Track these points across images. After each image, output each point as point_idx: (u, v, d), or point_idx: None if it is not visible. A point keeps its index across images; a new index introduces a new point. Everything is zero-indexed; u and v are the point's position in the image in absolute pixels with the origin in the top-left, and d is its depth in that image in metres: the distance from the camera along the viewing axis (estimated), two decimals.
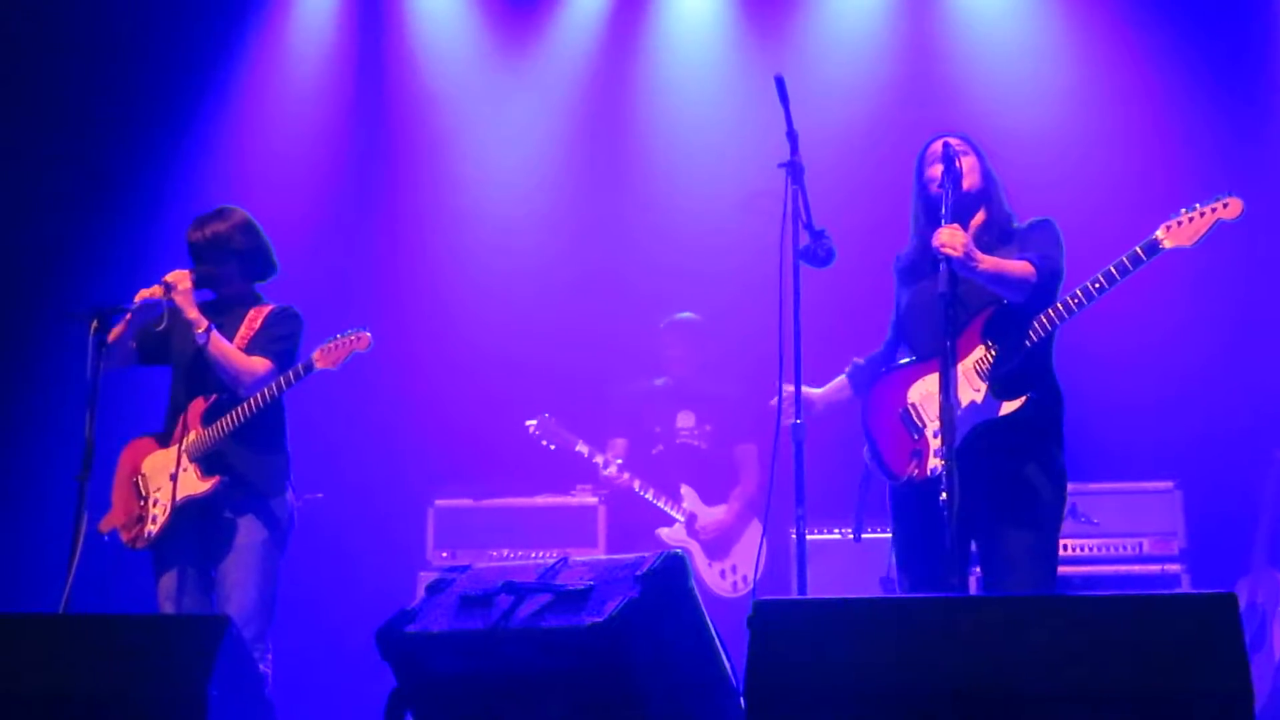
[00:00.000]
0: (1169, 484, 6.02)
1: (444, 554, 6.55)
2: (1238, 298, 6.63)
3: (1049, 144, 6.84)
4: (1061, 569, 5.69)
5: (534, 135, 7.59)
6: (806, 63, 7.15)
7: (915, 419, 4.28)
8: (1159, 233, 4.21)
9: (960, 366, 4.23)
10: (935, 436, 4.17)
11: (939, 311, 4.05)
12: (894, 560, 4.36)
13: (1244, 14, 6.94)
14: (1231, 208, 4.22)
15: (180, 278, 4.81)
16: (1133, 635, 2.81)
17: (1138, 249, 4.21)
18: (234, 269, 4.96)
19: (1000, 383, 4.24)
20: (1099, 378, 5.62)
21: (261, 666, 4.54)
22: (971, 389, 4.24)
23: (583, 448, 6.42)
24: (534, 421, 6.46)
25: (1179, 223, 4.20)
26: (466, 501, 6.68)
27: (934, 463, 4.17)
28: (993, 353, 4.27)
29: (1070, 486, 5.82)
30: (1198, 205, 4.23)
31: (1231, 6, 6.95)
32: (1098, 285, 4.20)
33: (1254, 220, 6.60)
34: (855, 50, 7.27)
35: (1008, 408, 4.21)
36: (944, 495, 3.85)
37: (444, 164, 7.65)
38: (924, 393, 4.29)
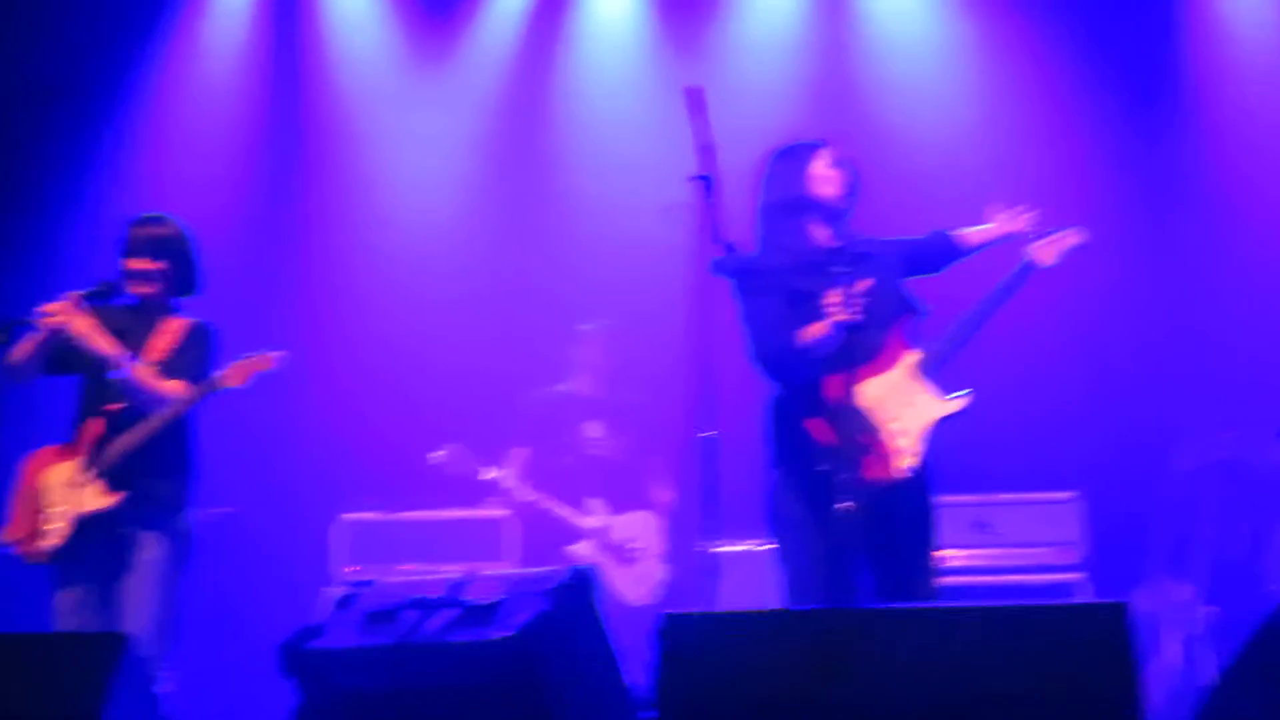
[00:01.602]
0: (1070, 494, 6.11)
1: (351, 569, 6.47)
2: (1137, 310, 6.78)
3: (959, 145, 6.98)
4: (964, 579, 5.84)
5: (449, 140, 7.57)
6: (723, 72, 7.20)
7: (870, 422, 4.31)
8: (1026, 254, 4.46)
9: (899, 372, 4.36)
10: (899, 436, 4.26)
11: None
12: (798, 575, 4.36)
13: (1146, 17, 7.10)
14: (1076, 237, 4.47)
15: (70, 314, 4.69)
16: (1029, 644, 2.85)
17: (1011, 275, 4.44)
18: (162, 276, 4.88)
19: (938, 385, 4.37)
20: (1001, 389, 5.68)
21: (161, 686, 4.45)
22: (919, 390, 4.36)
23: (490, 473, 6.37)
24: (441, 453, 6.40)
25: (1043, 244, 4.40)
26: (374, 515, 6.62)
27: (907, 462, 4.26)
28: (920, 356, 4.38)
29: (973, 497, 6.03)
30: (1058, 230, 4.44)
31: (1134, 10, 7.10)
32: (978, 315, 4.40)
33: (1155, 231, 6.86)
34: (770, 58, 7.34)
35: (951, 406, 4.35)
36: (848, 505, 3.89)
37: (357, 168, 7.61)
38: (876, 394, 4.33)
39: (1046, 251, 4.48)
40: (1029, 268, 4.47)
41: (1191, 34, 7.08)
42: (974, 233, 4.62)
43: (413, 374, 7.15)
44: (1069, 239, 4.52)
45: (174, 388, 4.74)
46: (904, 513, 4.31)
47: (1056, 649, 2.84)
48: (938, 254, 4.62)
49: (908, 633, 2.94)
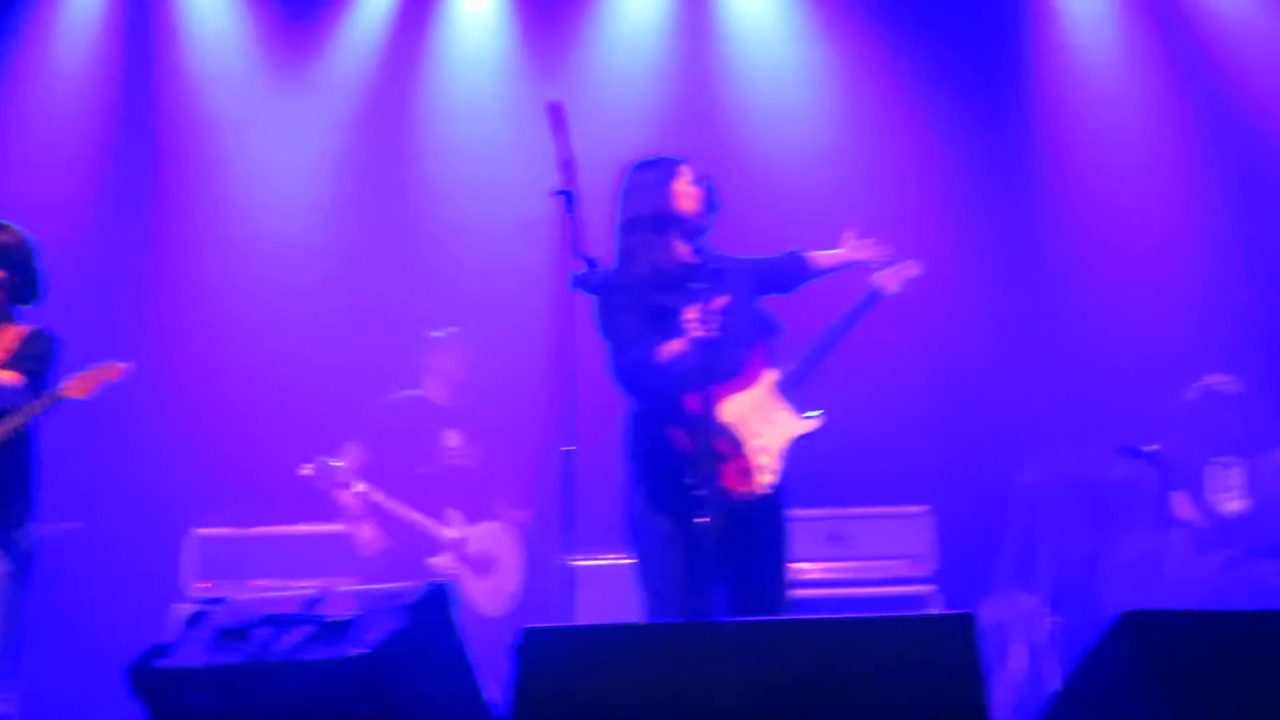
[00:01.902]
0: (922, 508, 6.25)
1: (202, 585, 6.33)
2: (986, 330, 6.96)
3: (815, 166, 7.10)
4: (820, 592, 5.94)
5: (308, 151, 7.47)
6: (585, 89, 7.23)
7: (735, 437, 4.36)
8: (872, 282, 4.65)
9: (760, 390, 4.43)
10: (760, 454, 4.33)
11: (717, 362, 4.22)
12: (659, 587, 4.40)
13: (998, 45, 7.31)
14: (915, 268, 4.66)
15: None
16: (880, 656, 2.91)
17: (858, 301, 4.61)
18: (1, 284, 4.73)
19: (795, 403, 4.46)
20: (855, 406, 5.80)
21: (1, 708, 4.31)
22: (778, 409, 4.44)
23: (359, 486, 6.28)
24: (309, 467, 6.29)
25: (888, 273, 4.56)
26: (226, 529, 6.49)
27: (766, 479, 4.33)
28: (779, 375, 4.46)
29: (828, 511, 6.13)
30: (900, 260, 4.61)
31: (986, 39, 7.30)
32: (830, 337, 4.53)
33: (1003, 254, 7.06)
34: (632, 77, 7.39)
35: (808, 425, 4.45)
36: (707, 519, 3.93)
37: (212, 179, 7.47)
38: (739, 411, 4.38)
39: (890, 280, 4.67)
40: (875, 295, 4.66)
41: (1039, 63, 7.31)
42: (824, 256, 4.74)
43: (266, 386, 7.03)
44: (909, 269, 4.71)
45: (6, 375, 4.61)
46: (760, 527, 4.37)
47: (907, 660, 2.90)
48: (790, 274, 4.71)
49: (763, 645, 2.98)
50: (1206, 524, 6.26)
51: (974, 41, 7.28)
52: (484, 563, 6.43)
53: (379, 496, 6.28)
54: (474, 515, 6.47)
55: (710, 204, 4.46)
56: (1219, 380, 6.40)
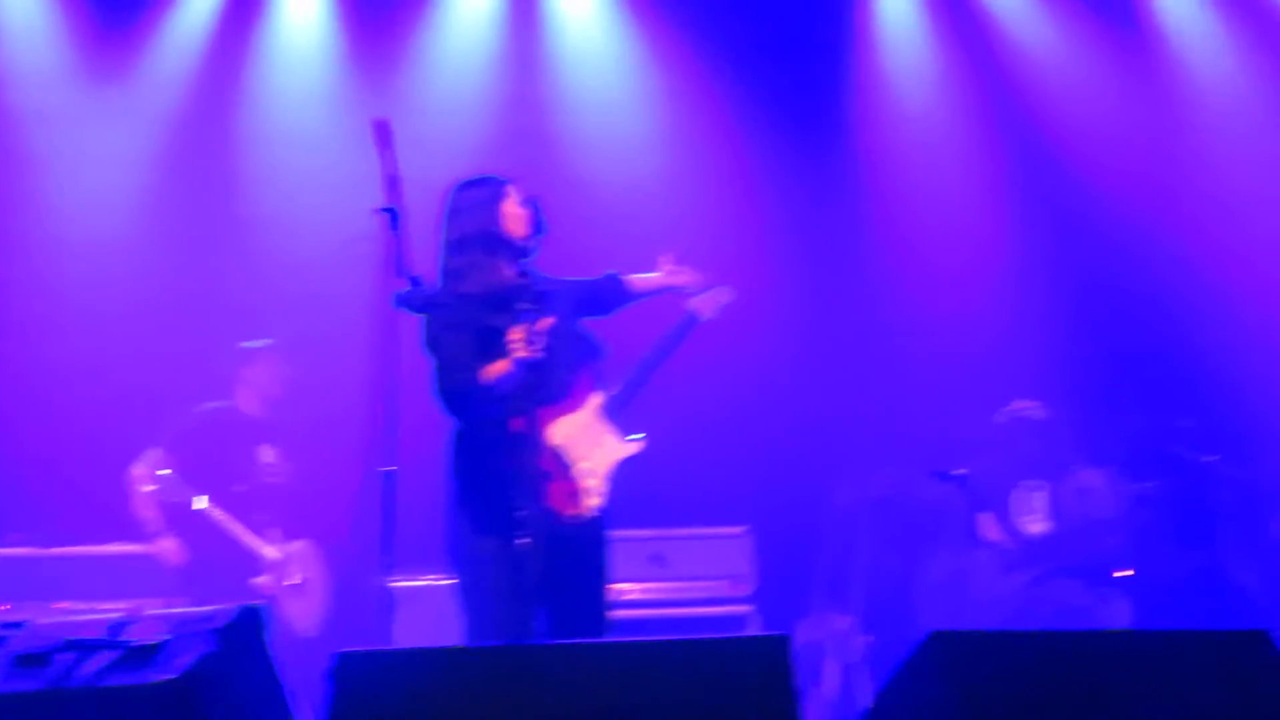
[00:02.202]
0: (741, 529, 6.33)
1: (2, 608, 6.07)
2: (802, 350, 7.09)
3: (640, 189, 7.16)
4: (640, 612, 5.97)
5: (124, 156, 7.25)
6: (413, 106, 7.16)
7: (563, 459, 4.35)
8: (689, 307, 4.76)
9: (587, 412, 4.46)
10: (588, 476, 4.37)
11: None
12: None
13: (820, 72, 7.50)
14: (728, 295, 4.80)
15: None
16: (697, 677, 2.94)
17: (676, 326, 4.73)
18: None
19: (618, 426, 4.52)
20: (673, 426, 5.86)
21: None
22: (605, 431, 4.49)
23: (200, 503, 6.09)
24: (150, 483, 6.06)
25: (703, 298, 4.66)
26: (25, 549, 6.23)
27: (593, 502, 4.37)
28: (605, 398, 4.51)
29: (649, 532, 6.17)
30: (714, 286, 4.77)
31: (807, 65, 7.47)
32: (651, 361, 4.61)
33: (823, 273, 7.21)
34: (462, 95, 7.35)
35: (632, 448, 4.52)
36: (525, 541, 3.93)
37: (22, 181, 7.18)
38: (567, 434, 4.38)
39: (706, 305, 4.78)
40: (692, 319, 4.75)
41: (859, 92, 7.51)
42: (642, 280, 4.81)
43: (71, 395, 6.78)
44: (723, 295, 4.82)
45: None
46: (584, 550, 4.38)
47: (723, 681, 2.93)
48: (609, 297, 4.76)
49: (583, 669, 2.98)
50: (1011, 545, 6.48)
51: (796, 70, 7.45)
52: (297, 582, 6.30)
53: (218, 514, 6.11)
54: (292, 532, 6.34)
55: (537, 226, 4.46)
56: (1025, 406, 6.64)
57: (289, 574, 6.27)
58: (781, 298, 7.05)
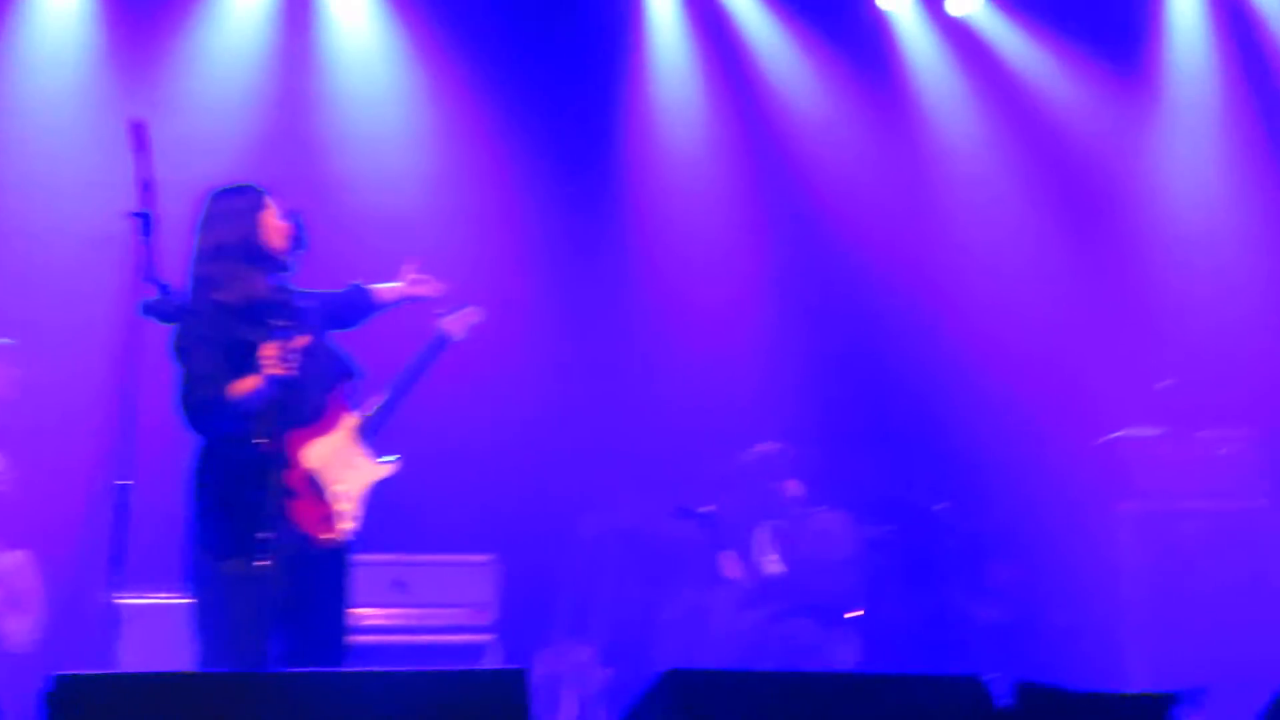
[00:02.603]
0: (486, 557, 6.30)
1: None
2: (554, 378, 7.12)
3: (408, 196, 7.10)
4: (380, 639, 5.88)
5: None
6: (176, 106, 6.93)
7: (318, 482, 4.26)
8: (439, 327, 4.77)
9: (341, 435, 4.39)
10: (342, 500, 4.30)
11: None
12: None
13: (591, 105, 7.57)
14: (477, 315, 4.85)
15: None
16: (434, 709, 2.92)
17: (427, 346, 4.73)
18: None
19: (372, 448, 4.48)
20: (421, 449, 5.82)
21: None
22: (358, 454, 4.44)
23: None
24: None
25: (453, 318, 4.72)
26: None
27: (346, 526, 4.30)
28: (359, 419, 4.45)
29: (391, 557, 6.09)
30: (464, 306, 4.81)
31: (578, 98, 7.53)
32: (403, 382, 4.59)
33: (581, 302, 7.27)
34: (226, 100, 7.15)
35: (385, 470, 4.49)
36: (265, 564, 3.84)
37: None
38: (322, 457, 4.29)
39: (455, 325, 4.78)
40: (443, 340, 4.74)
41: (629, 123, 7.63)
42: (386, 290, 4.78)
43: None
44: (472, 316, 4.83)
45: None
46: (329, 574, 4.31)
47: (459, 714, 2.92)
48: (355, 309, 4.72)
49: (317, 698, 2.92)
50: (750, 583, 6.64)
51: (566, 84, 7.51)
52: (15, 596, 6.00)
53: None
54: (9, 541, 6.03)
55: (298, 241, 4.37)
56: (769, 447, 6.82)
57: (9, 586, 5.96)
58: (535, 323, 7.08)
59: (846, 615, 6.47)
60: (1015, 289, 7.61)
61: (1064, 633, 6.85)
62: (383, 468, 4.48)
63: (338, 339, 4.57)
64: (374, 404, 4.55)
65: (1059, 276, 7.65)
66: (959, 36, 7.86)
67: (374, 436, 4.50)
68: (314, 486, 4.27)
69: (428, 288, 4.81)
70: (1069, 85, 7.80)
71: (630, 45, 7.63)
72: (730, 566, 6.67)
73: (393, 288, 4.78)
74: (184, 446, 4.30)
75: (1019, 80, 7.84)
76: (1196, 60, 7.73)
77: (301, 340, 4.17)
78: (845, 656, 6.34)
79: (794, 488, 6.82)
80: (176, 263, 4.34)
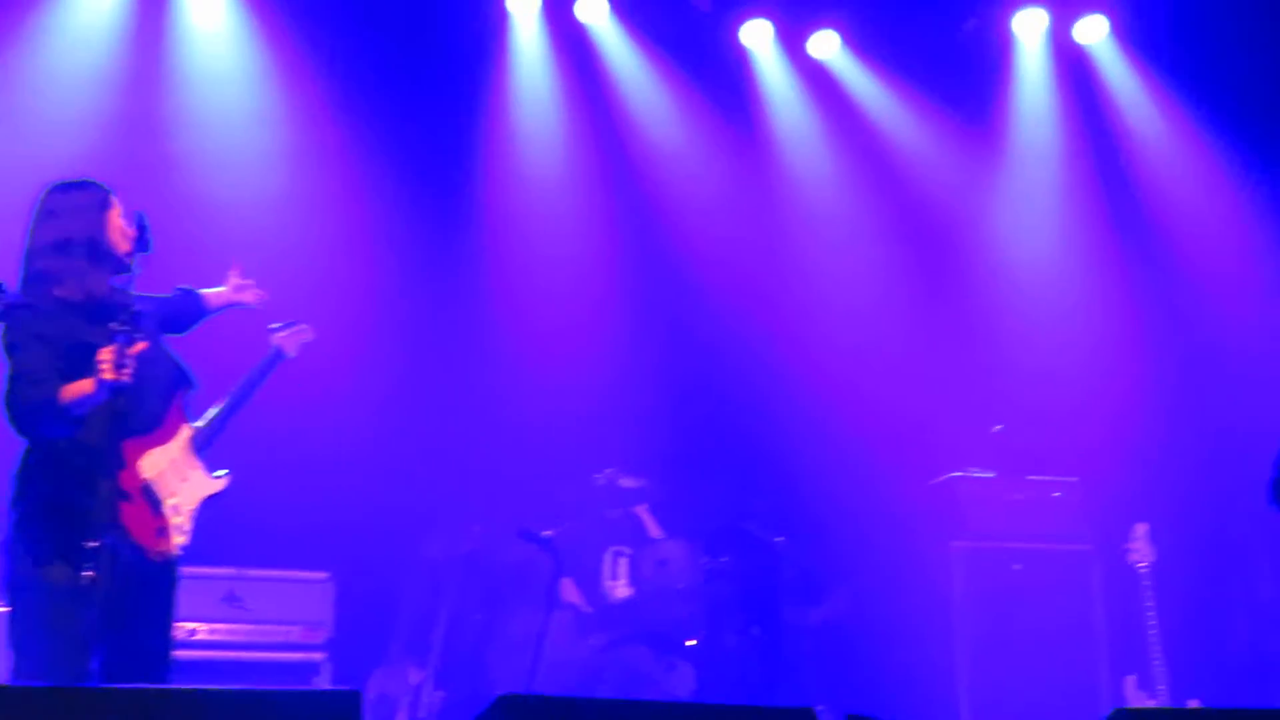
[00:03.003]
0: (324, 574, 6.20)
1: None
2: (400, 396, 7.05)
3: (257, 215, 6.95)
4: (210, 654, 5.75)
5: None
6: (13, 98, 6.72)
7: (155, 494, 4.15)
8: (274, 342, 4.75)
9: (177, 446, 4.30)
10: (175, 513, 4.20)
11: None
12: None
13: (451, 125, 7.54)
14: (309, 332, 4.84)
15: None
16: None
17: (262, 361, 4.68)
18: None
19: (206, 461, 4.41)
20: (261, 464, 5.70)
21: None
22: (192, 466, 4.34)
23: None
24: None
25: (286, 334, 4.69)
26: None
27: (179, 540, 4.21)
28: (193, 430, 4.37)
29: (224, 570, 5.95)
30: (297, 322, 4.81)
31: (438, 119, 7.49)
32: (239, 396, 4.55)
33: (430, 324, 7.21)
34: (72, 93, 6.93)
35: (218, 484, 4.41)
36: (90, 574, 3.73)
37: None
38: (158, 467, 4.18)
39: (289, 342, 4.73)
40: (278, 355, 4.69)
41: (487, 151, 7.62)
42: (212, 294, 4.72)
43: None
44: (305, 334, 4.80)
45: None
46: (157, 589, 4.19)
47: None
48: (186, 313, 4.64)
49: (137, 715, 2.85)
50: (590, 609, 6.65)
51: (426, 105, 7.47)
52: None
53: None
54: None
55: (143, 244, 4.26)
56: (617, 474, 6.85)
57: None
58: (382, 340, 7.02)
59: (685, 644, 6.51)
60: (859, 327, 7.77)
61: (897, 666, 6.98)
62: (216, 482, 4.39)
63: (173, 346, 4.48)
64: (208, 416, 4.46)
65: (902, 317, 7.84)
66: (817, 78, 8.03)
67: (206, 449, 4.41)
68: (150, 497, 4.17)
69: (251, 294, 4.76)
70: (919, 131, 8.02)
71: (493, 69, 7.63)
72: (570, 592, 6.68)
73: (219, 293, 4.72)
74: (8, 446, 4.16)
75: (871, 123, 8.04)
76: (1040, 112, 8.01)
77: (140, 345, 4.07)
78: (681, 686, 6.37)
79: (637, 515, 6.87)
80: (10, 258, 4.21)
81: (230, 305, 4.75)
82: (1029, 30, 7.91)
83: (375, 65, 7.33)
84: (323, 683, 5.92)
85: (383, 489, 6.81)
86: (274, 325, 4.77)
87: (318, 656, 6.04)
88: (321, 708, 2.95)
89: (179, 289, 4.64)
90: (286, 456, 6.45)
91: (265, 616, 6.03)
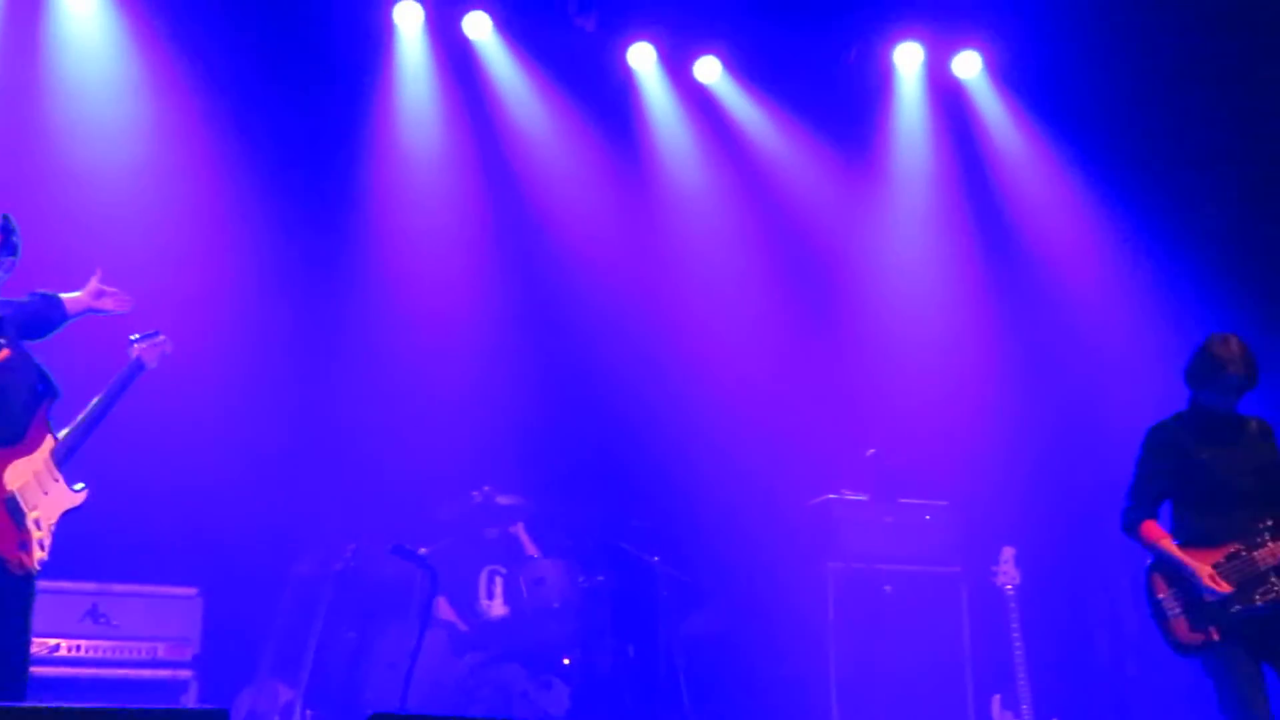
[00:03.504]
0: (192, 590, 6.08)
1: None
2: (272, 411, 6.94)
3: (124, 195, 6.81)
4: (74, 670, 5.61)
5: None
6: None
7: (19, 507, 4.04)
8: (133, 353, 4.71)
9: (40, 457, 4.23)
10: (37, 527, 4.13)
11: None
12: None
13: (342, 113, 7.48)
14: (169, 344, 4.74)
15: None
16: None
17: (123, 372, 4.64)
18: None
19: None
20: (128, 478, 5.59)
21: None
22: (53, 479, 4.26)
23: None
24: None
25: (145, 346, 4.64)
26: None
27: (39, 555, 4.15)
28: (55, 442, 4.29)
29: (93, 585, 5.82)
30: (157, 334, 4.72)
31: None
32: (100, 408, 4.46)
33: (302, 336, 7.10)
34: None
35: (78, 498, 4.34)
36: None
37: None
38: (21, 479, 4.07)
39: (149, 353, 4.67)
40: (138, 366, 4.63)
41: (369, 167, 7.56)
42: (71, 299, 4.64)
43: None
44: (164, 345, 4.74)
45: None
46: (14, 603, 4.09)
47: None
48: (46, 318, 4.55)
49: None
50: (465, 627, 6.61)
51: (308, 129, 7.39)
52: None
53: None
54: None
55: (10, 248, 4.17)
56: (494, 492, 6.82)
57: None
58: (256, 356, 6.89)
59: (560, 663, 6.50)
60: (737, 350, 7.85)
61: (771, 684, 7.05)
62: (76, 496, 4.31)
63: (35, 354, 4.39)
64: (68, 429, 4.37)
65: (779, 340, 7.93)
66: (701, 102, 8.11)
67: (67, 462, 4.32)
68: (13, 509, 4.07)
69: (112, 301, 4.68)
70: (799, 156, 8.14)
71: (377, 82, 7.57)
72: (446, 610, 6.63)
73: (78, 297, 4.64)
74: None
75: (753, 147, 8.14)
76: (916, 141, 8.19)
77: (2, 353, 3.98)
78: (556, 705, 6.36)
79: (514, 534, 6.85)
80: None
81: (90, 311, 4.65)
82: (907, 63, 8.10)
83: (260, 76, 7.22)
84: (189, 701, 5.81)
85: (255, 503, 6.69)
86: (134, 336, 4.69)
87: (185, 674, 5.93)
88: None
89: (37, 294, 4.54)
90: (155, 469, 6.32)
91: (130, 632, 5.90)
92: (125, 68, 7.07)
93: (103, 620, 5.84)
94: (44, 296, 4.55)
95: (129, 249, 6.47)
